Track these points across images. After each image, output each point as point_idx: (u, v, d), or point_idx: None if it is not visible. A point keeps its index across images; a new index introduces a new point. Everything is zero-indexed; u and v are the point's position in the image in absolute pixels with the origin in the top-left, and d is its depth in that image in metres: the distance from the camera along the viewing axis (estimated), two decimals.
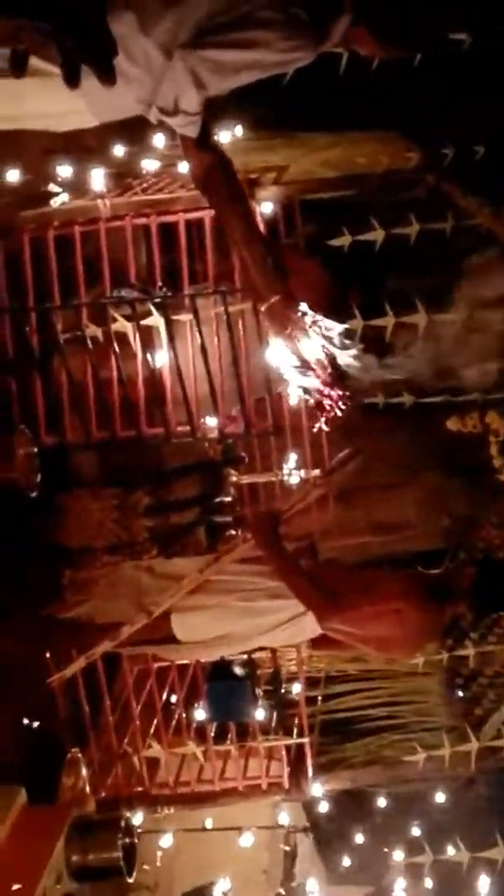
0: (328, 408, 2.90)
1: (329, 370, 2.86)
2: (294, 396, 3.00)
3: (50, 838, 3.56)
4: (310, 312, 2.86)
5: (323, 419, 2.94)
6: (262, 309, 2.92)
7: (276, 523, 4.07)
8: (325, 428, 2.95)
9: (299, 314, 2.86)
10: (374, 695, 5.03)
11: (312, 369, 2.87)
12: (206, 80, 2.62)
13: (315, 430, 3.00)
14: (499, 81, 4.72)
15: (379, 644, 4.08)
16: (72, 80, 1.89)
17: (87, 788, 4.05)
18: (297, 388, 2.92)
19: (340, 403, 2.89)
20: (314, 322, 2.86)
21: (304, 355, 2.86)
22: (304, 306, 2.87)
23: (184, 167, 4.31)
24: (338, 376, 2.88)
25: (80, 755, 4.09)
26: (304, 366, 2.87)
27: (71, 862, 3.56)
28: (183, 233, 4.38)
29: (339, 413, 2.90)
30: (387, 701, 5.01)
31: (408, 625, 3.96)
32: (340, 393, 2.88)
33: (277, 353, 2.89)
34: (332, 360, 2.87)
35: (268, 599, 4.01)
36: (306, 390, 2.91)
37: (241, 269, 3.11)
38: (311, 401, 2.92)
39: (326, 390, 2.88)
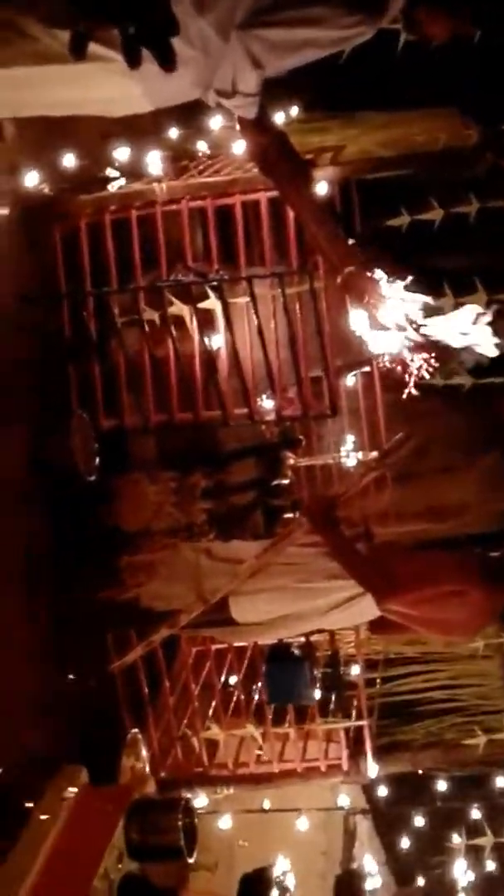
0: (415, 372, 2.89)
1: (413, 334, 2.85)
2: (381, 362, 2.99)
3: (111, 818, 3.59)
4: (387, 279, 2.85)
5: (412, 384, 2.93)
6: (339, 280, 2.91)
7: (333, 507, 4.05)
8: (414, 392, 2.93)
9: (376, 282, 2.85)
10: (434, 677, 5.00)
11: (395, 334, 2.86)
12: (264, 59, 2.60)
13: (404, 395, 2.98)
14: None
15: (438, 626, 4.05)
16: (133, 62, 1.87)
17: (147, 769, 4.08)
18: (382, 355, 2.92)
19: (427, 366, 2.89)
20: (392, 288, 2.85)
21: (386, 322, 2.85)
22: (380, 273, 2.86)
23: (239, 148, 4.30)
24: (423, 340, 2.87)
25: (139, 736, 4.13)
26: (387, 331, 2.86)
27: (131, 842, 3.59)
28: (240, 215, 4.36)
29: (428, 376, 2.90)
30: (446, 684, 4.98)
31: (467, 607, 3.92)
32: (426, 356, 2.87)
33: (359, 322, 2.89)
34: (415, 325, 2.86)
35: (326, 581, 4.00)
36: (391, 356, 2.90)
37: (312, 244, 3.09)
38: (398, 366, 2.91)
39: (412, 355, 2.87)
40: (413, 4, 2.68)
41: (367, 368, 4.90)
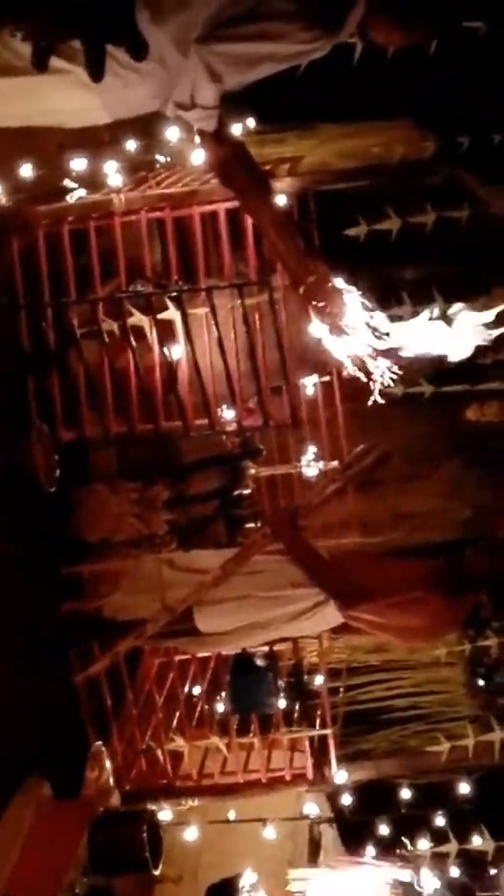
0: (378, 380, 2.92)
1: (374, 342, 2.88)
2: (343, 371, 3.02)
3: (75, 831, 3.58)
4: (347, 289, 2.88)
5: (376, 391, 2.96)
6: (300, 291, 2.93)
7: (296, 516, 4.06)
8: (379, 401, 2.96)
9: (338, 291, 2.87)
10: (397, 685, 5.02)
11: (357, 343, 2.89)
12: (222, 73, 2.61)
13: (369, 403, 3.01)
14: None
15: (400, 632, 4.09)
16: (96, 75, 1.88)
17: (112, 782, 4.06)
18: (344, 361, 2.95)
19: (389, 374, 2.92)
20: (352, 297, 2.89)
21: (347, 331, 2.88)
22: (340, 283, 2.89)
23: (197, 159, 4.31)
24: (384, 348, 2.91)
25: (103, 749, 4.11)
26: (348, 340, 2.89)
27: (96, 855, 3.58)
28: (198, 226, 4.37)
29: (390, 383, 2.93)
30: (410, 691, 5.01)
31: (429, 613, 3.96)
32: (388, 364, 2.90)
33: (320, 331, 2.91)
34: (376, 333, 2.89)
35: (289, 589, 4.01)
36: (353, 365, 2.93)
37: (273, 254, 3.11)
38: (361, 374, 2.94)
39: (373, 362, 2.91)
40: (368, 14, 2.70)
41: (326, 378, 4.93)
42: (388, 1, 2.67)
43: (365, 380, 2.96)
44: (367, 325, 2.92)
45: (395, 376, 2.95)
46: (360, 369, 2.95)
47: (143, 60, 1.93)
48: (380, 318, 2.92)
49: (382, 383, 2.95)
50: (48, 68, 2.00)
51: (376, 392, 2.98)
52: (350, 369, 2.98)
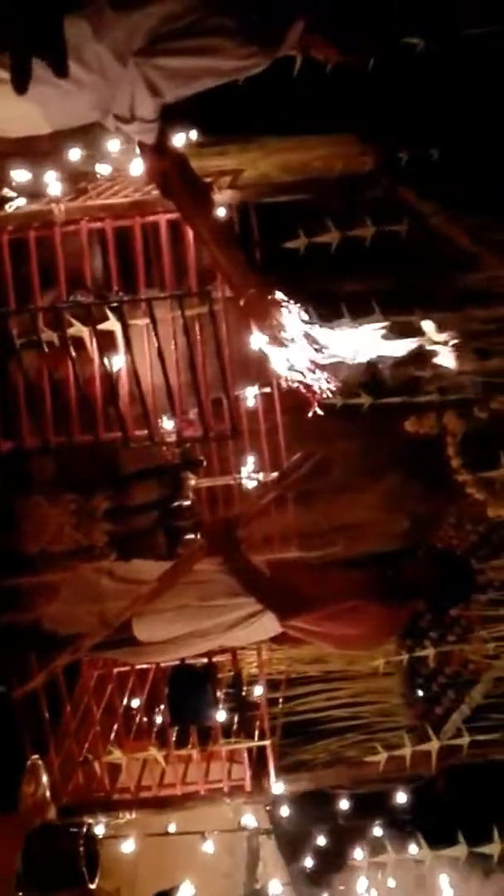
0: (317, 391, 2.95)
1: (314, 354, 2.91)
2: (282, 381, 3.04)
3: (11, 846, 3.54)
4: (287, 301, 2.91)
5: (315, 403, 2.98)
6: (241, 303, 2.95)
7: (234, 528, 4.06)
8: (319, 412, 2.99)
9: (278, 303, 2.90)
10: (336, 696, 5.04)
11: (296, 354, 2.92)
12: (162, 86, 2.63)
13: (309, 414, 3.04)
14: (452, 85, 4.76)
15: (338, 641, 4.10)
16: (21, 85, 1.88)
17: (48, 795, 4.03)
18: (284, 373, 2.97)
19: (328, 386, 2.94)
20: (292, 311, 2.91)
21: (287, 342, 2.90)
22: (280, 295, 2.92)
23: (138, 170, 4.31)
24: (323, 359, 2.93)
25: (40, 762, 4.08)
26: (289, 350, 2.92)
27: (32, 869, 3.55)
28: (139, 237, 4.37)
29: (329, 395, 2.96)
30: (348, 702, 5.03)
31: (367, 623, 3.98)
32: (327, 375, 2.93)
33: (261, 342, 2.93)
34: (315, 344, 2.92)
35: (228, 598, 4.01)
36: (293, 374, 2.95)
37: (213, 265, 3.13)
38: (300, 385, 2.96)
39: (312, 375, 2.93)
40: (306, 32, 2.73)
41: (267, 389, 4.95)
42: (325, 20, 2.70)
43: (304, 391, 2.98)
44: (307, 336, 2.95)
45: (333, 388, 2.98)
46: (299, 381, 2.98)
47: (64, 77, 1.93)
48: (319, 330, 2.94)
49: (322, 395, 2.97)
50: None
51: (316, 404, 3.00)
52: (290, 381, 3.00)
